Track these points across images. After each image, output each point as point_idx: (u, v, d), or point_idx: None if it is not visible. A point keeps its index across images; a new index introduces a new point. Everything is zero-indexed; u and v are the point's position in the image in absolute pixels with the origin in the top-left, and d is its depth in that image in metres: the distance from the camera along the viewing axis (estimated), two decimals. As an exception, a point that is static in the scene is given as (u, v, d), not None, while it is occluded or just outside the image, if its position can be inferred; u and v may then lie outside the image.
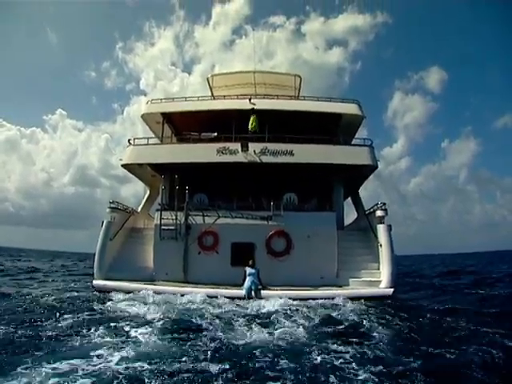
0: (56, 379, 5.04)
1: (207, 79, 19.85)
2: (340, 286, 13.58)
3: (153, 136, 18.32)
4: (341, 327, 8.37)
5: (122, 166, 16.62)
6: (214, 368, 5.53)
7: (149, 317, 8.96)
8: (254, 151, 15.21)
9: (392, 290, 12.91)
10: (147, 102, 18.09)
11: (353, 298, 11.81)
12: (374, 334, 7.81)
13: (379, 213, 14.58)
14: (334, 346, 6.77)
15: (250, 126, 15.65)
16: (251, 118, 15.71)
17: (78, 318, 8.80)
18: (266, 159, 15.15)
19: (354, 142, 17.50)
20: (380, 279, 13.57)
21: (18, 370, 5.31)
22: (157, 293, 12.18)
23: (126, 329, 7.78)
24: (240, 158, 15.19)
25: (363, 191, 19.04)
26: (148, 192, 19.59)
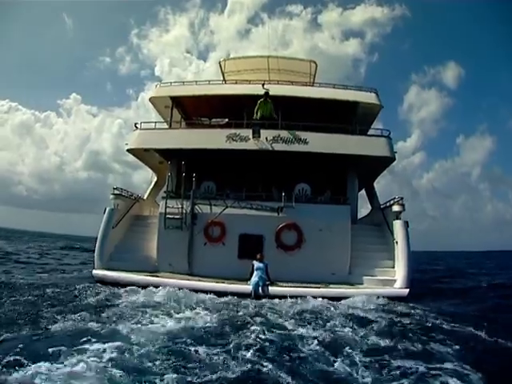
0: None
1: (219, 63, 19.03)
2: (352, 284, 12.83)
3: (162, 121, 17.63)
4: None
5: (128, 150, 15.95)
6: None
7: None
8: (266, 138, 14.42)
9: (407, 290, 12.14)
10: (156, 85, 17.41)
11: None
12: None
13: (396, 208, 13.77)
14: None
15: (263, 112, 14.84)
16: (266, 104, 14.84)
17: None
18: (279, 147, 14.35)
19: (370, 132, 16.69)
20: (395, 278, 12.82)
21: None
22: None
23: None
24: (251, 145, 14.41)
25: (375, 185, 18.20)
26: (155, 179, 18.89)
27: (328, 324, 8.11)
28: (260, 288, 11.64)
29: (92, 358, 5.27)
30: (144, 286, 11.60)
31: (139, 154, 16.38)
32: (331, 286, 12.44)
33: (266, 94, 14.78)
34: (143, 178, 18.66)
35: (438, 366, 5.70)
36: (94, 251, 14.13)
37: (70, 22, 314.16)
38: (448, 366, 5.73)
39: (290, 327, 7.81)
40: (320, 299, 10.72)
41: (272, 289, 11.74)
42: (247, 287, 11.72)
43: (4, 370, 4.78)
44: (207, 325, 7.63)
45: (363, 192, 18.50)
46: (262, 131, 14.48)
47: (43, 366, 4.93)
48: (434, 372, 5.46)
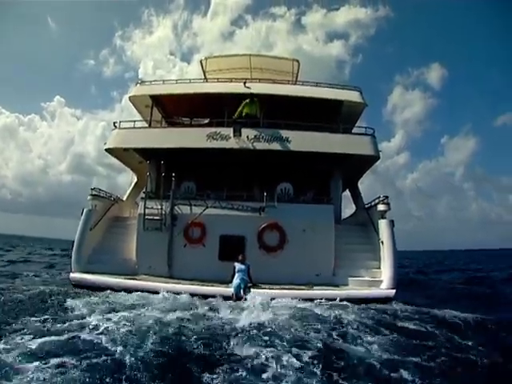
0: None
1: (200, 62, 18.64)
2: (337, 286, 12.51)
3: (141, 119, 17.17)
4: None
5: (106, 150, 15.47)
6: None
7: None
8: (248, 137, 14.09)
9: (394, 291, 11.84)
10: (136, 84, 16.99)
11: (350, 300, 10.75)
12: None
13: (381, 207, 13.49)
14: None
15: (249, 111, 14.48)
16: (253, 104, 14.52)
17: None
18: (260, 146, 14.02)
19: (354, 131, 16.40)
20: (381, 279, 12.53)
21: None
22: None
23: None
24: (232, 144, 14.07)
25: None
26: (135, 179, 18.40)
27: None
28: (242, 290, 11.28)
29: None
30: (123, 290, 11.22)
31: (118, 153, 15.90)
32: (315, 287, 12.11)
33: (252, 94, 14.56)
34: (128, 181, 18.25)
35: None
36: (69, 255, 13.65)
37: (53, 25, 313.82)
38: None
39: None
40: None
41: (254, 291, 11.36)
42: (226, 289, 11.38)
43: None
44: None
45: (347, 193, 18.25)
46: (243, 130, 14.15)
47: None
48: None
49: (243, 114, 14.51)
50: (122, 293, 10.94)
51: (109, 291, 11.14)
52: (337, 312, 9.08)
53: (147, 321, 7.68)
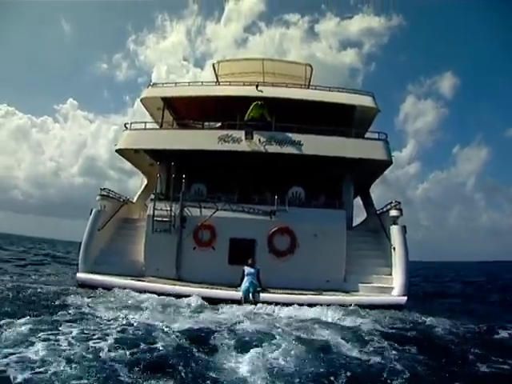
0: None
1: (213, 65, 18.62)
2: (347, 292, 12.27)
3: (152, 121, 17.12)
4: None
5: (117, 151, 15.43)
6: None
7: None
8: (259, 140, 13.97)
9: (405, 298, 11.62)
10: (148, 86, 16.97)
11: (362, 306, 10.56)
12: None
13: (393, 212, 13.30)
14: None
15: (254, 115, 14.35)
16: (260, 107, 14.37)
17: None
18: (272, 149, 13.89)
19: (366, 136, 16.19)
20: (392, 286, 12.28)
21: None
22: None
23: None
24: (243, 146, 13.94)
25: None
26: (145, 181, 18.34)
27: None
28: (250, 294, 11.10)
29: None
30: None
31: (129, 155, 15.86)
32: (325, 293, 11.87)
33: (257, 98, 14.47)
34: (138, 185, 18.25)
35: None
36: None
37: (67, 28, 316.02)
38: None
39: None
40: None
41: (263, 295, 11.19)
42: (235, 293, 11.26)
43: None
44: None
45: (357, 200, 18.00)
46: (254, 133, 14.03)
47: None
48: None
49: (249, 117, 14.37)
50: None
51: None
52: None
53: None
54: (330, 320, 9.05)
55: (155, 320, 7.87)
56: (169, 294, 10.98)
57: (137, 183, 19.36)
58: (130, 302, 10.05)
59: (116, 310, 8.78)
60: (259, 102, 14.32)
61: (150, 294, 10.78)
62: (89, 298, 10.07)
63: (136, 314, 8.43)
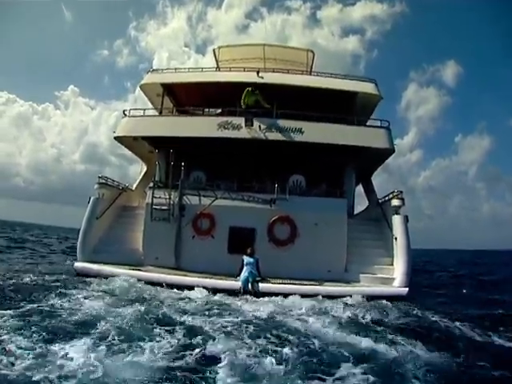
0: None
1: (213, 51, 18.29)
2: (348, 282, 12.12)
3: (152, 108, 16.86)
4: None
5: (115, 138, 15.21)
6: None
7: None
8: (260, 127, 13.71)
9: (407, 289, 11.46)
10: (147, 72, 16.68)
11: (362, 297, 10.49)
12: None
13: (395, 202, 13.09)
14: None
15: (248, 102, 14.02)
16: (252, 94, 14.04)
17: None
18: (272, 136, 13.64)
19: (368, 123, 15.92)
20: (394, 276, 12.13)
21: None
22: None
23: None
24: (243, 133, 13.69)
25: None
26: (145, 169, 18.17)
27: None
28: (250, 284, 10.98)
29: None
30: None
31: (128, 142, 15.67)
32: (326, 283, 11.72)
33: (249, 84, 14.14)
34: (139, 172, 18.07)
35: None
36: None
37: (68, 14, 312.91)
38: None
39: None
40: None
41: (262, 285, 11.06)
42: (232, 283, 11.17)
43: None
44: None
45: (359, 188, 17.80)
46: (255, 120, 13.78)
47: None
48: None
49: (244, 105, 14.07)
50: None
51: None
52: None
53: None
54: (328, 310, 8.92)
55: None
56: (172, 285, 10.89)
57: (137, 170, 19.13)
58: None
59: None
60: (249, 89, 13.97)
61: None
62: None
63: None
